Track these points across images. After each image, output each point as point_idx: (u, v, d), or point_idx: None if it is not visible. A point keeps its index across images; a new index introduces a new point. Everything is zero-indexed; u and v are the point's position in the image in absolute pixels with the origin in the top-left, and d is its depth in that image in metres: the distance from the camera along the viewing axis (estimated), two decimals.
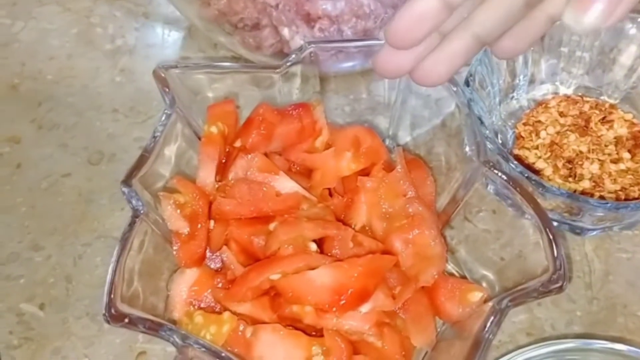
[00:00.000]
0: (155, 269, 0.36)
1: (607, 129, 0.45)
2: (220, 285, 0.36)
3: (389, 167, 0.40)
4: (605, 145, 0.44)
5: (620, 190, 0.42)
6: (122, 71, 0.52)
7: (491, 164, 0.35)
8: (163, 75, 0.38)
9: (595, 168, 0.43)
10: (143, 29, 0.56)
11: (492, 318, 0.31)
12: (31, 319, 0.40)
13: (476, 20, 0.31)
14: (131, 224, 0.34)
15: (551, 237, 0.32)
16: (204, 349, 0.30)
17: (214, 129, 0.39)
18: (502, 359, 0.32)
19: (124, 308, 0.31)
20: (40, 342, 0.39)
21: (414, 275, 0.35)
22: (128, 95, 0.51)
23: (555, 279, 0.31)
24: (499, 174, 0.35)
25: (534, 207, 0.33)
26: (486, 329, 0.30)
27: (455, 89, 0.38)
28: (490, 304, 0.33)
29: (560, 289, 0.31)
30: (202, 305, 0.36)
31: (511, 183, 0.34)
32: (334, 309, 0.32)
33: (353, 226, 0.38)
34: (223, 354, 0.31)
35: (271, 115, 0.40)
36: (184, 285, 0.36)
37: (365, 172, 0.39)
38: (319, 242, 0.36)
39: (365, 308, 0.33)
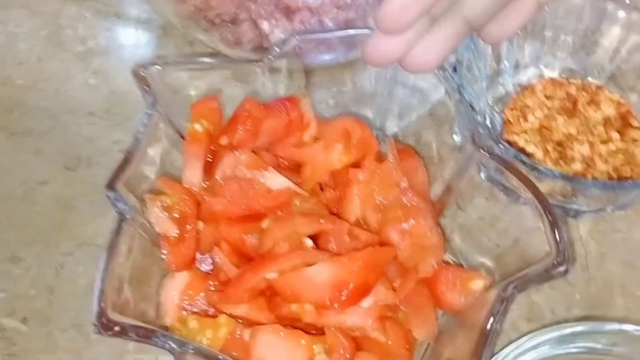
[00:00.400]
0: (144, 275, 0.35)
1: (595, 110, 0.45)
2: (213, 287, 0.35)
3: (380, 159, 0.39)
4: (594, 127, 0.44)
5: (612, 171, 0.42)
6: (96, 73, 0.51)
7: (485, 149, 0.35)
8: (143, 74, 0.37)
9: (585, 149, 0.43)
10: (115, 29, 0.54)
11: (498, 307, 0.30)
12: (14, 334, 0.38)
13: (466, 4, 0.30)
14: (118, 230, 0.32)
15: (552, 219, 0.31)
16: (202, 355, 0.29)
17: (198, 127, 0.38)
18: (510, 346, 0.31)
19: (116, 317, 0.29)
20: (24, 358, 0.37)
21: (412, 266, 0.35)
22: (103, 98, 0.49)
23: (559, 263, 0.30)
24: (495, 158, 0.34)
25: (533, 191, 0.33)
26: (493, 318, 0.30)
27: (444, 75, 0.37)
28: (493, 291, 0.32)
29: (565, 273, 0.30)
30: (195, 309, 0.35)
31: (507, 167, 0.34)
32: (335, 305, 0.31)
33: (347, 220, 0.37)
34: (221, 357, 0.30)
35: (257, 110, 0.39)
36: (175, 289, 0.35)
37: (355, 165, 0.39)
38: (314, 238, 0.35)
39: (366, 303, 0.32)
